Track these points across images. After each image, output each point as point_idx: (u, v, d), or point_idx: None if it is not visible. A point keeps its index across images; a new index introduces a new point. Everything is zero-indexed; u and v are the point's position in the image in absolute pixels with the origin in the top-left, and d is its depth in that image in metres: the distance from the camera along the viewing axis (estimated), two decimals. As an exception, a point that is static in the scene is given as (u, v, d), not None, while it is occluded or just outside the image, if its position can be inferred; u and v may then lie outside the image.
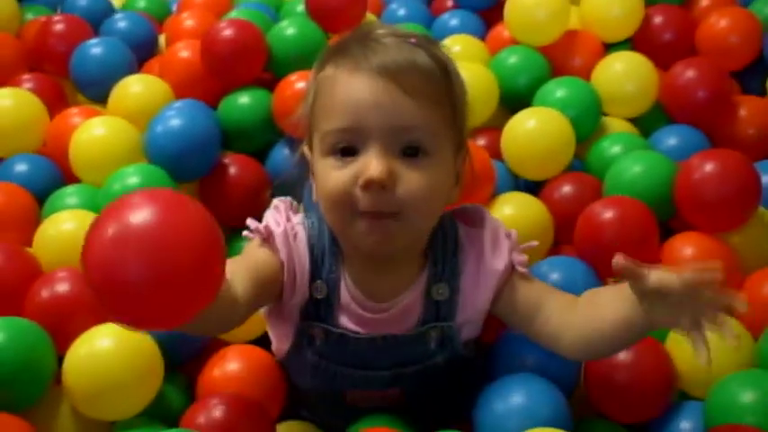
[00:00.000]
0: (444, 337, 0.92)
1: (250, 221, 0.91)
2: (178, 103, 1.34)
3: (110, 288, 0.62)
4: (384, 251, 0.86)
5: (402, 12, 1.70)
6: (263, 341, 1.06)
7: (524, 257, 0.93)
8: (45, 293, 1.03)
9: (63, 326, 1.00)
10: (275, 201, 0.95)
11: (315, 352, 0.93)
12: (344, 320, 0.91)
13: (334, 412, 0.99)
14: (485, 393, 0.90)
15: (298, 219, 0.93)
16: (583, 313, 0.86)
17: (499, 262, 0.91)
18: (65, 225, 1.15)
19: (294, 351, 0.94)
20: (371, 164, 0.80)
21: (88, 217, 1.17)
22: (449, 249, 0.92)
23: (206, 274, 0.64)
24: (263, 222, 0.91)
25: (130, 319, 0.64)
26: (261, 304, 0.90)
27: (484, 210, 0.97)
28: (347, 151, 0.83)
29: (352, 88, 0.83)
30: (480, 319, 0.94)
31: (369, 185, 0.80)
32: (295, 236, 0.91)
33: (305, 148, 0.92)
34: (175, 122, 1.27)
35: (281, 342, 0.97)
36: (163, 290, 0.61)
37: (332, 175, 0.83)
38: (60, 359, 0.97)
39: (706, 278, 0.73)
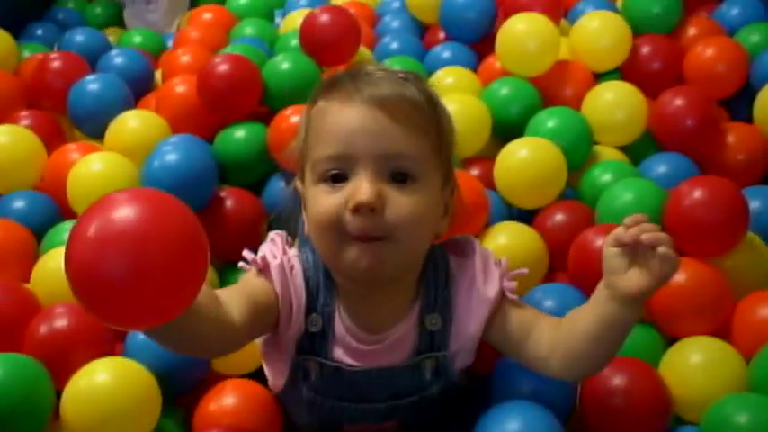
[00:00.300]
0: (439, 366, 0.93)
1: (246, 253, 0.93)
2: (174, 138, 1.36)
3: (90, 285, 0.62)
4: (375, 276, 0.86)
5: (395, 45, 1.72)
6: (259, 375, 1.06)
7: (514, 284, 0.95)
8: (43, 329, 1.04)
9: (61, 361, 1.01)
10: (271, 234, 0.97)
11: (310, 387, 0.93)
12: (339, 353, 0.92)
13: None
14: (481, 421, 0.90)
15: (293, 252, 0.94)
16: (565, 329, 0.88)
17: (490, 290, 0.93)
18: (62, 260, 1.15)
19: (290, 386, 0.95)
20: (361, 187, 0.83)
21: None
22: (440, 280, 0.93)
23: (187, 272, 0.64)
24: (260, 254, 0.92)
25: (111, 317, 0.64)
26: (258, 331, 0.91)
27: (473, 240, 0.98)
28: (337, 178, 0.85)
29: (342, 117, 0.86)
30: (473, 346, 0.95)
31: (358, 208, 0.82)
32: (291, 268, 0.92)
33: (297, 183, 0.93)
34: (172, 157, 1.28)
35: (276, 378, 0.97)
36: (143, 287, 0.61)
37: (322, 200, 0.85)
38: (59, 394, 0.98)
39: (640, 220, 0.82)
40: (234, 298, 0.84)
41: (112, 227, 0.61)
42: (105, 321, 0.65)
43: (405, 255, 0.87)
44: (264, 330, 0.92)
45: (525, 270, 0.98)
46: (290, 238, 0.98)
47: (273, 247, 0.93)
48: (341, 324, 0.91)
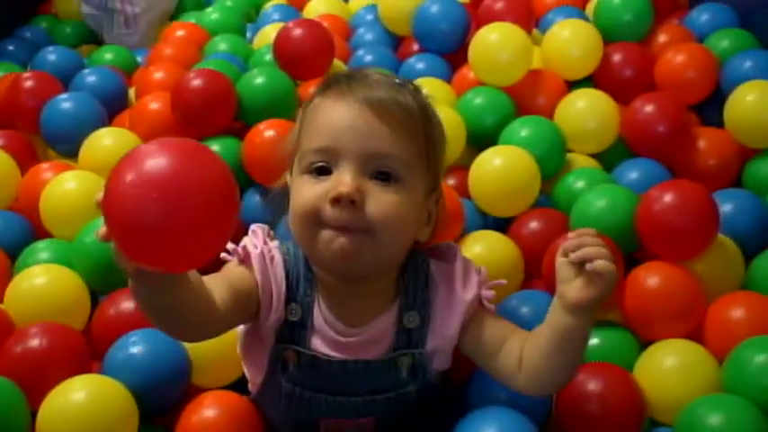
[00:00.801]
0: (415, 364, 0.94)
1: (228, 245, 0.93)
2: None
3: (128, 229, 0.65)
4: (348, 267, 0.88)
5: (369, 57, 1.72)
6: (238, 387, 1.07)
7: (491, 293, 0.96)
8: (18, 349, 1.03)
9: (36, 381, 1.00)
10: (253, 226, 0.98)
11: (289, 379, 0.94)
12: (317, 343, 0.93)
13: None
14: (458, 427, 0.91)
15: (274, 244, 0.96)
16: (529, 344, 0.90)
17: (468, 294, 0.95)
18: (37, 280, 1.15)
19: (269, 380, 0.96)
20: (342, 180, 0.85)
21: (59, 271, 1.18)
22: (420, 281, 0.95)
23: (220, 214, 0.67)
24: (241, 244, 0.94)
25: (146, 260, 0.68)
26: (239, 317, 0.92)
27: (456, 246, 1.00)
28: (322, 170, 0.87)
29: (333, 113, 0.88)
30: (449, 349, 0.97)
31: (338, 199, 0.84)
32: (272, 258, 0.94)
33: (288, 177, 0.95)
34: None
35: (256, 374, 0.98)
36: (178, 230, 0.65)
37: (305, 190, 0.87)
38: (34, 414, 0.97)
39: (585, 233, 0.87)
40: (217, 284, 0.86)
41: (149, 174, 0.65)
42: (143, 264, 0.68)
43: (380, 251, 0.87)
44: (245, 318, 0.94)
45: (504, 281, 1.00)
46: (271, 232, 0.99)
47: (254, 238, 0.95)
48: (320, 315, 0.93)
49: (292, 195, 0.91)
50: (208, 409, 1.00)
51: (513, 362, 0.92)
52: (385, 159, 0.87)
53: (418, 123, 0.90)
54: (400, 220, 0.87)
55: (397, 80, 0.93)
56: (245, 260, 0.93)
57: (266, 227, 0.99)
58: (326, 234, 0.86)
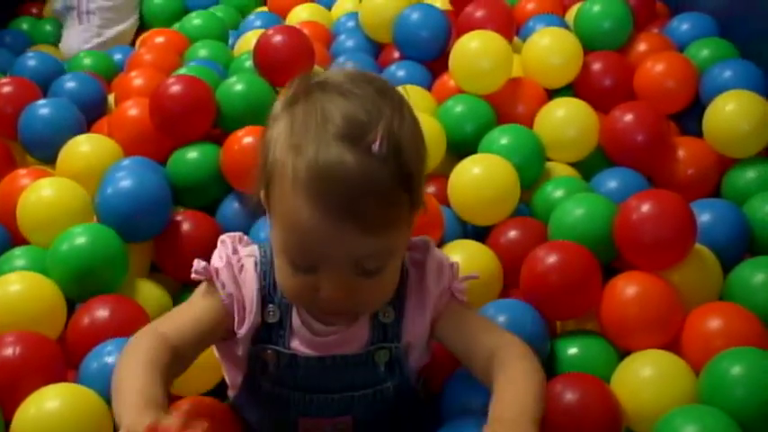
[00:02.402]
0: (392, 359, 0.94)
1: (196, 262, 0.94)
2: (126, 162, 1.35)
3: None
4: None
5: (350, 64, 1.72)
6: (215, 394, 1.07)
7: (463, 286, 0.97)
8: (-8, 358, 1.02)
9: (10, 390, 0.99)
10: (222, 236, 0.97)
11: (268, 379, 0.94)
12: (296, 344, 0.93)
13: None
14: None
15: (246, 251, 0.95)
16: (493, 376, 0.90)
17: (438, 288, 0.96)
18: (12, 287, 1.14)
19: (248, 381, 0.96)
20: (330, 287, 0.84)
21: (34, 279, 1.16)
22: None
23: None
24: (212, 262, 0.94)
25: None
26: (203, 348, 0.94)
27: (429, 240, 1.00)
28: (304, 267, 0.85)
29: (305, 219, 0.80)
30: (423, 343, 0.98)
31: (328, 300, 0.85)
32: (241, 268, 0.93)
33: (261, 194, 0.91)
34: (126, 183, 1.27)
35: (235, 375, 0.99)
36: None
37: (289, 278, 0.87)
38: (7, 425, 0.96)
39: None
40: (186, 334, 0.89)
41: None
42: None
43: (373, 310, 0.93)
44: (212, 343, 0.96)
45: (477, 275, 1.01)
46: (244, 237, 0.99)
47: (222, 249, 0.95)
48: (297, 316, 0.93)
49: (277, 269, 0.89)
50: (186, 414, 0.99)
51: (480, 368, 0.93)
52: (370, 260, 0.84)
53: (400, 198, 0.83)
54: (391, 290, 0.90)
55: (373, 143, 0.80)
56: (211, 278, 0.93)
57: (237, 235, 0.99)
58: (321, 312, 0.91)
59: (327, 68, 1.70)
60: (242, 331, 0.92)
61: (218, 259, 0.93)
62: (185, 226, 1.32)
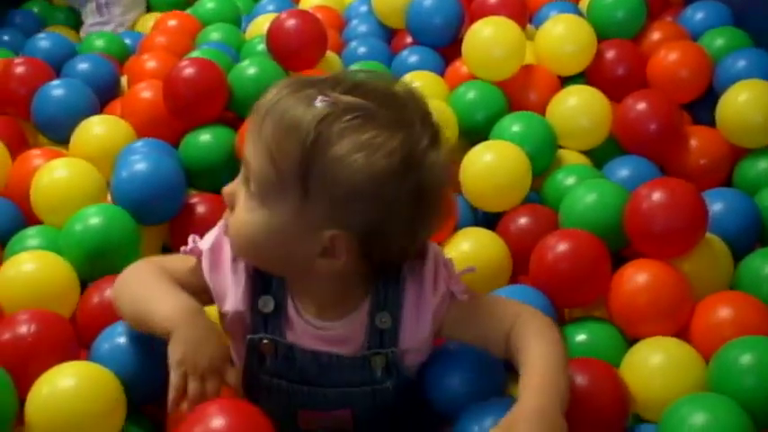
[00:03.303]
0: (389, 364, 0.94)
1: (190, 239, 0.97)
2: (139, 143, 1.36)
3: None
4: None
5: (362, 49, 1.72)
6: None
7: (463, 285, 0.95)
8: (6, 336, 1.02)
9: (24, 368, 0.99)
10: (221, 222, 0.97)
11: (266, 371, 0.95)
12: (291, 335, 0.94)
13: None
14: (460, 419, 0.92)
15: None
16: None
17: (436, 297, 0.94)
18: (25, 266, 1.15)
19: (248, 372, 0.96)
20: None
21: (48, 258, 1.17)
22: (391, 279, 0.94)
23: None
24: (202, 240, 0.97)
25: None
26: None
27: (430, 244, 0.97)
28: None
29: None
30: (423, 347, 0.97)
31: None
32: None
33: None
34: (141, 167, 1.27)
35: (237, 363, 0.99)
36: None
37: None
38: (22, 402, 0.97)
39: None
40: (180, 278, 0.95)
41: None
42: None
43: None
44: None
45: (473, 268, 1.00)
46: None
47: (217, 231, 0.97)
48: (293, 307, 0.94)
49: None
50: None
51: (499, 352, 0.95)
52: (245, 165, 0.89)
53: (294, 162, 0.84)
54: (236, 228, 0.90)
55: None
56: (198, 258, 0.96)
57: None
58: None
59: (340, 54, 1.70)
60: (226, 315, 0.95)
61: (206, 241, 0.96)
62: (200, 209, 1.33)
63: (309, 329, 0.93)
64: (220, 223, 0.97)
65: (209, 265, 0.94)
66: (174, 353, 0.84)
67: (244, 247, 0.90)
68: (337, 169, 0.82)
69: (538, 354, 0.89)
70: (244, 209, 0.87)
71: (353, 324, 0.93)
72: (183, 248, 0.97)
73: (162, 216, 1.31)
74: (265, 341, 0.93)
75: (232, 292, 0.93)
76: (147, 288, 0.93)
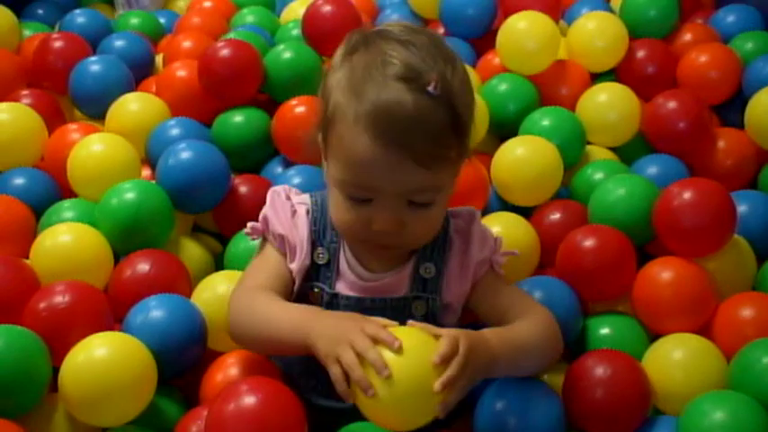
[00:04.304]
0: (429, 313, 0.99)
1: (249, 225, 1.02)
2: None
3: None
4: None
5: (396, 17, 1.74)
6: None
7: (503, 259, 1.03)
8: (43, 305, 1.04)
9: (60, 337, 1.02)
10: (273, 188, 1.05)
11: None
12: (340, 286, 0.99)
13: (317, 389, 1.02)
14: (483, 398, 0.95)
15: (298, 199, 1.03)
16: None
17: (480, 256, 1.01)
18: (61, 238, 1.18)
19: None
20: (383, 217, 0.90)
21: (84, 230, 1.20)
22: (439, 237, 1.00)
23: None
24: (260, 216, 1.02)
25: None
26: (290, 289, 1.01)
27: (476, 212, 1.05)
28: (359, 199, 0.91)
29: (364, 149, 0.87)
30: (458, 305, 1.02)
31: (380, 232, 0.91)
32: (294, 213, 1.01)
33: (320, 140, 0.97)
34: (187, 156, 1.30)
35: None
36: None
37: (344, 211, 0.93)
38: (56, 371, 0.99)
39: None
40: (273, 282, 0.98)
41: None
42: None
43: (420, 244, 0.98)
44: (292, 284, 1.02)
45: (517, 251, 1.07)
46: (294, 189, 1.06)
47: (274, 197, 1.02)
48: (344, 260, 0.99)
49: (331, 202, 0.96)
50: (231, 368, 1.03)
51: None
52: (422, 193, 0.90)
53: (453, 140, 0.89)
54: (437, 226, 0.96)
55: (430, 83, 0.86)
56: (264, 231, 1.01)
57: (287, 187, 1.06)
58: (370, 246, 0.95)
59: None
60: (293, 267, 0.99)
61: (268, 207, 1.01)
62: (243, 189, 1.35)
63: (358, 282, 0.99)
64: (274, 190, 1.03)
65: (275, 222, 1.00)
66: (319, 352, 0.85)
67: (433, 233, 0.97)
68: (470, 112, 0.93)
69: (525, 326, 0.95)
70: (425, 216, 0.92)
71: (400, 275, 0.99)
72: (246, 232, 1.03)
73: (206, 205, 1.34)
74: (316, 290, 0.99)
75: (299, 251, 0.99)
76: (260, 320, 0.94)
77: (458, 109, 0.88)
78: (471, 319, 1.06)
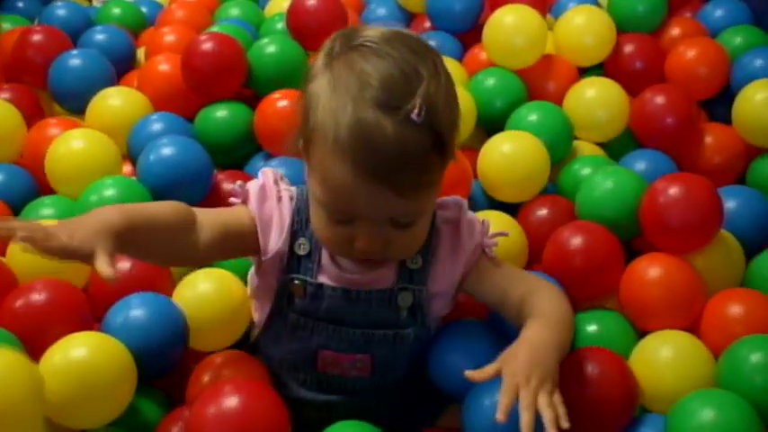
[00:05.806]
0: (415, 304, 0.98)
1: (237, 184, 1.00)
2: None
3: None
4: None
5: (378, 24, 1.71)
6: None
7: (493, 242, 1.02)
8: (19, 303, 1.03)
9: (37, 337, 1.00)
10: (263, 169, 1.03)
11: (294, 309, 0.99)
12: (323, 278, 0.97)
13: (305, 383, 1.02)
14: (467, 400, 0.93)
15: (285, 186, 1.01)
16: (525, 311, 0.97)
17: (470, 243, 1.00)
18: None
19: (275, 313, 1.00)
20: (365, 238, 0.88)
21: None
22: None
23: None
24: (248, 184, 1.00)
25: None
26: (227, 253, 1.01)
27: (462, 201, 1.03)
28: (340, 219, 0.89)
29: (344, 179, 0.83)
30: (449, 294, 1.02)
31: (362, 253, 0.90)
32: (279, 198, 0.98)
33: (300, 146, 0.93)
34: (168, 152, 1.28)
35: (262, 309, 1.03)
36: None
37: (325, 229, 0.91)
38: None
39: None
40: (208, 222, 0.94)
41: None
42: None
43: (406, 257, 0.97)
44: (237, 253, 1.01)
45: (507, 232, 1.08)
46: (284, 178, 1.03)
47: (262, 177, 1.00)
48: (326, 252, 0.97)
49: (312, 213, 0.93)
50: (221, 369, 1.02)
51: (513, 315, 0.99)
52: (405, 217, 0.88)
53: (434, 163, 0.86)
54: (423, 237, 0.94)
55: (412, 111, 0.82)
56: (245, 200, 0.98)
57: (278, 171, 1.03)
58: (353, 260, 0.95)
59: (364, 25, 1.70)
60: (268, 253, 0.97)
61: (254, 182, 0.99)
62: (226, 186, 1.33)
63: (342, 274, 0.97)
64: (264, 170, 1.01)
65: (257, 202, 0.97)
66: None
67: (418, 247, 0.95)
68: (453, 128, 0.90)
69: (546, 308, 0.95)
70: (408, 235, 0.90)
71: (386, 267, 0.97)
72: (232, 198, 1.00)
73: (188, 202, 1.27)
74: (297, 282, 0.97)
75: (276, 232, 0.97)
76: None
77: (441, 129, 0.84)
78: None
